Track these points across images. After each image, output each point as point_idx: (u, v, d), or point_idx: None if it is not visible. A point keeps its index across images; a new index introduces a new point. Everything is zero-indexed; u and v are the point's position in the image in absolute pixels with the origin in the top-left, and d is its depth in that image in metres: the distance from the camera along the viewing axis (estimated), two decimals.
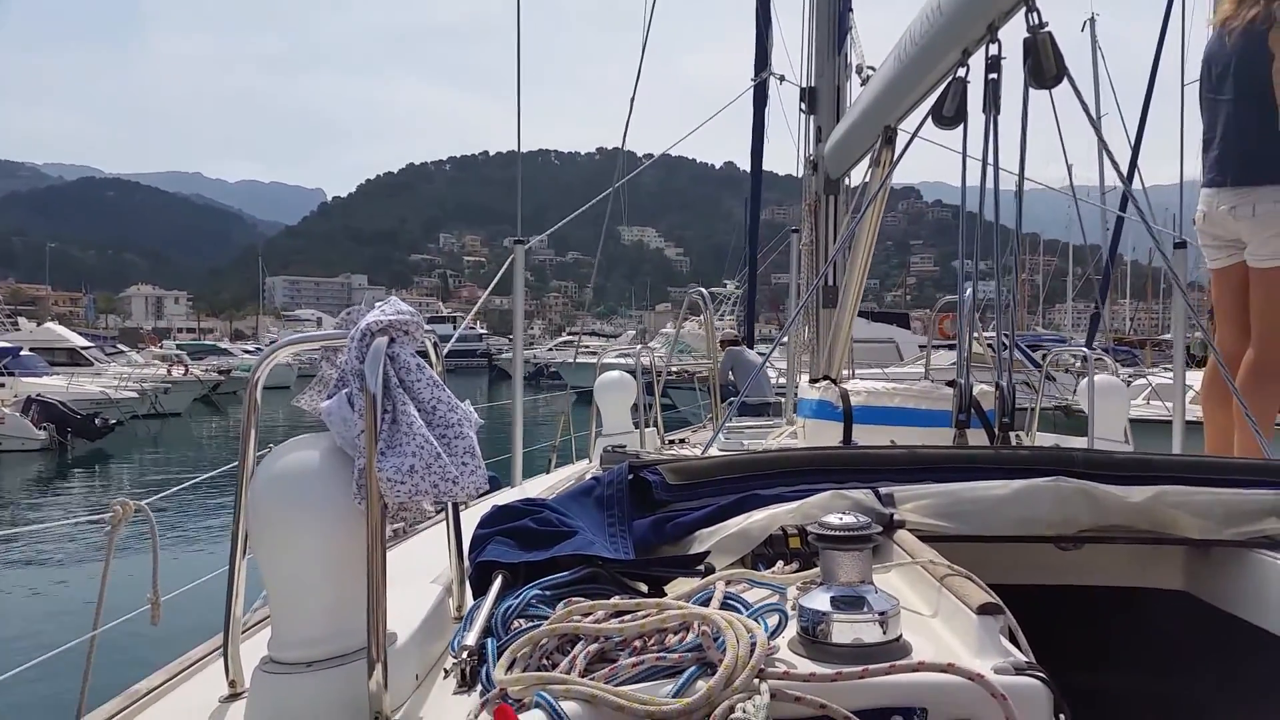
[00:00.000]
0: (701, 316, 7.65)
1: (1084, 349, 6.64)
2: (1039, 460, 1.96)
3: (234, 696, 1.29)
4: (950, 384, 3.30)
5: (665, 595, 1.40)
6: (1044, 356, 6.94)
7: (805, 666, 1.10)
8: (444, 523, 1.56)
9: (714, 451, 3.42)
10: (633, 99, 7.79)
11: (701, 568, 1.54)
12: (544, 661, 1.13)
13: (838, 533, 1.21)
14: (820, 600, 1.17)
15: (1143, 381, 11.02)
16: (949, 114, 3.19)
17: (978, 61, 3.02)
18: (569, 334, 62.09)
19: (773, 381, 9.43)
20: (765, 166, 12.00)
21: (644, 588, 1.49)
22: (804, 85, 6.38)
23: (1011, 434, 2.90)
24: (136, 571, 3.74)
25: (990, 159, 2.91)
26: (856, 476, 1.86)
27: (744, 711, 0.98)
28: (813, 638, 1.16)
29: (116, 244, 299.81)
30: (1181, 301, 4.44)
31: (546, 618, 1.22)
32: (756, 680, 1.03)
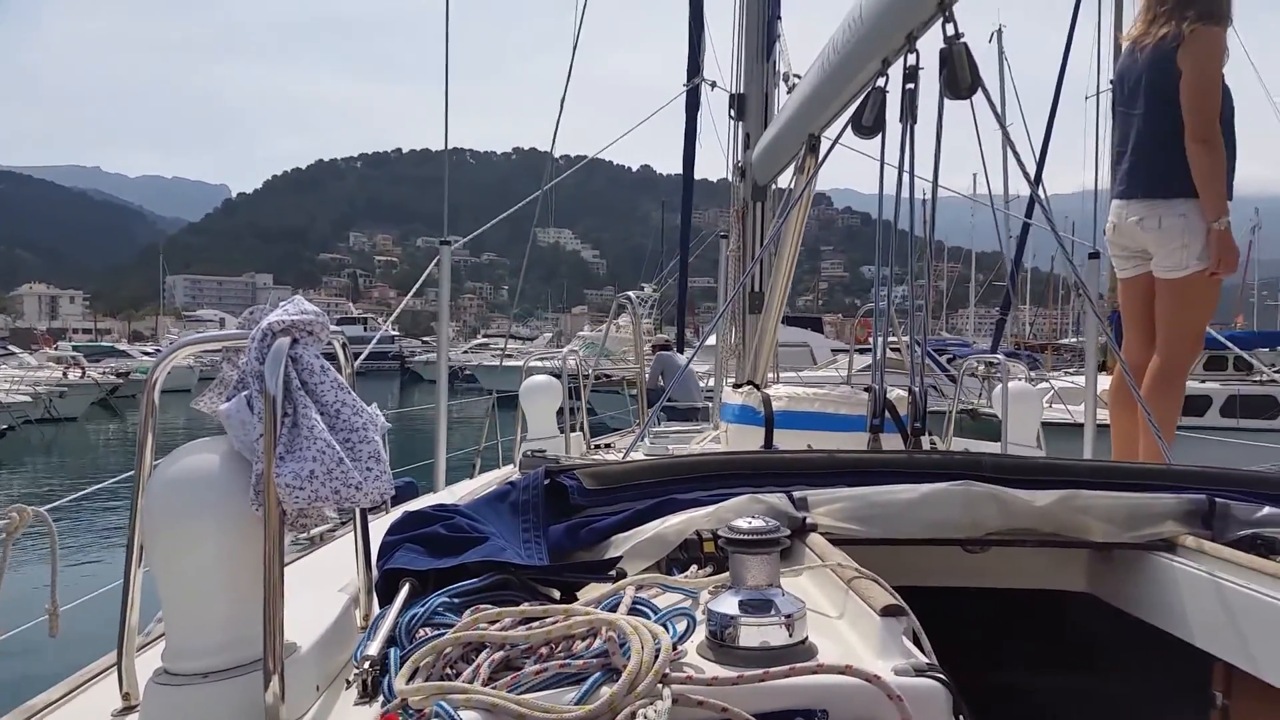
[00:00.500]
0: (625, 320, 7.66)
1: (998, 355, 6.81)
2: (949, 464, 2.00)
3: (128, 710, 1.24)
4: (867, 389, 3.36)
5: (577, 601, 1.39)
6: (950, 360, 7.12)
7: (711, 670, 1.10)
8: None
9: (638, 456, 3.42)
10: (563, 100, 7.70)
11: (613, 573, 1.54)
12: (447, 671, 1.11)
13: (746, 537, 1.22)
14: (728, 604, 1.18)
15: (1045, 385, 11.40)
16: (868, 123, 3.25)
17: (897, 72, 3.08)
18: (485, 336, 61.51)
19: (703, 387, 9.50)
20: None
21: (556, 594, 1.48)
22: (733, 92, 6.43)
23: (926, 438, 2.96)
24: (34, 581, 3.60)
25: (907, 167, 2.98)
26: (773, 481, 1.87)
27: (646, 717, 0.98)
28: (720, 641, 1.17)
29: (7, 240, 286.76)
30: (1094, 310, 4.61)
31: (453, 626, 1.20)
32: (660, 685, 1.03)
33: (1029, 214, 12.69)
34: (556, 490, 1.82)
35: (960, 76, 2.80)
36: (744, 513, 1.58)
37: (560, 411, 4.56)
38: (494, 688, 1.04)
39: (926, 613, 1.26)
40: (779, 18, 6.26)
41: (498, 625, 1.17)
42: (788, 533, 1.27)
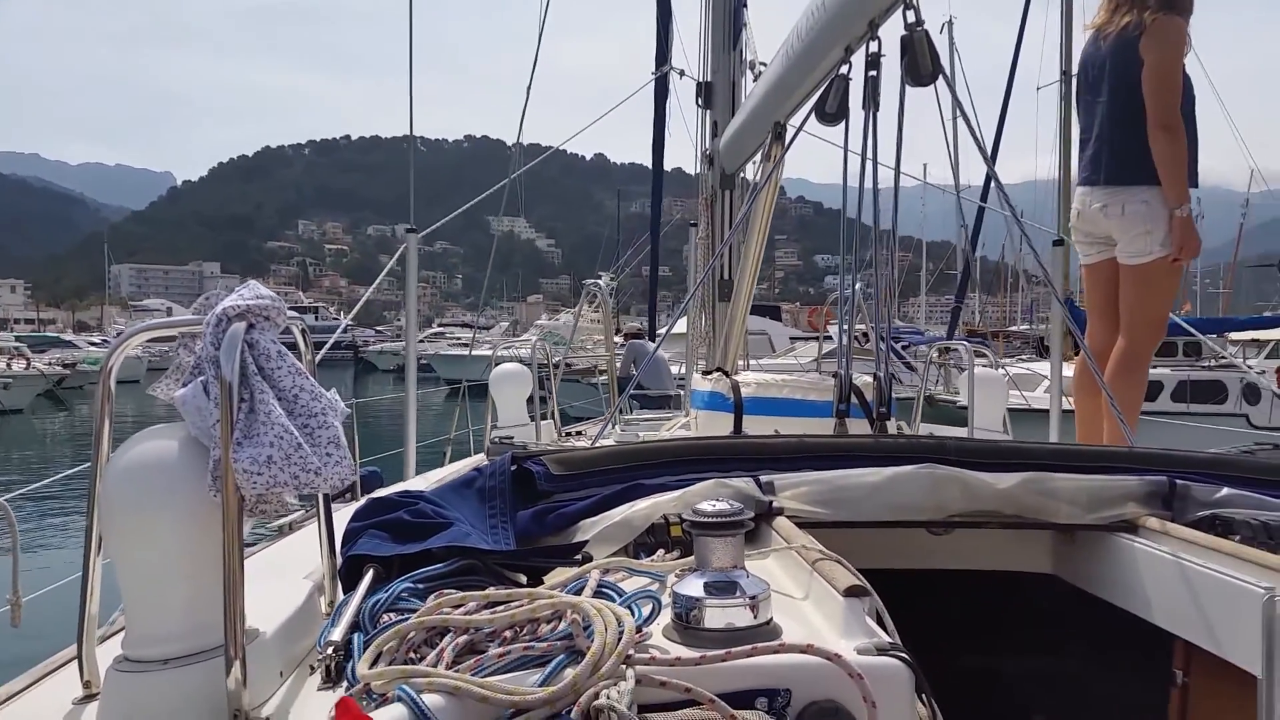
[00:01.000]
0: (593, 307, 7.64)
1: (963, 342, 6.91)
2: (914, 448, 2.02)
3: (89, 698, 1.23)
4: (835, 375, 3.39)
5: (543, 586, 1.39)
6: (905, 347, 7.21)
7: (676, 651, 1.11)
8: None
9: (608, 443, 3.43)
10: (529, 89, 7.62)
11: (579, 557, 1.54)
12: (411, 655, 1.11)
13: (710, 519, 1.23)
14: (693, 586, 1.18)
15: (1000, 372, 11.58)
16: (831, 110, 3.27)
17: (860, 59, 3.10)
18: (440, 325, 61.04)
19: (675, 374, 9.51)
20: (649, 160, 11.93)
21: (523, 579, 1.47)
22: (700, 80, 6.45)
23: (892, 423, 2.99)
24: None
25: (870, 154, 3.00)
26: (740, 465, 1.88)
27: (609, 697, 0.98)
28: (686, 623, 1.17)
29: None
30: (1058, 297, 4.68)
31: (417, 611, 1.19)
32: (624, 666, 1.03)
33: (984, 197, 12.97)
34: (524, 476, 1.82)
35: (921, 63, 2.83)
36: (710, 497, 1.59)
37: (530, 400, 4.55)
38: (457, 671, 1.04)
39: (891, 595, 1.27)
40: (745, 5, 6.29)
41: (462, 609, 1.17)
42: (751, 515, 1.28)
